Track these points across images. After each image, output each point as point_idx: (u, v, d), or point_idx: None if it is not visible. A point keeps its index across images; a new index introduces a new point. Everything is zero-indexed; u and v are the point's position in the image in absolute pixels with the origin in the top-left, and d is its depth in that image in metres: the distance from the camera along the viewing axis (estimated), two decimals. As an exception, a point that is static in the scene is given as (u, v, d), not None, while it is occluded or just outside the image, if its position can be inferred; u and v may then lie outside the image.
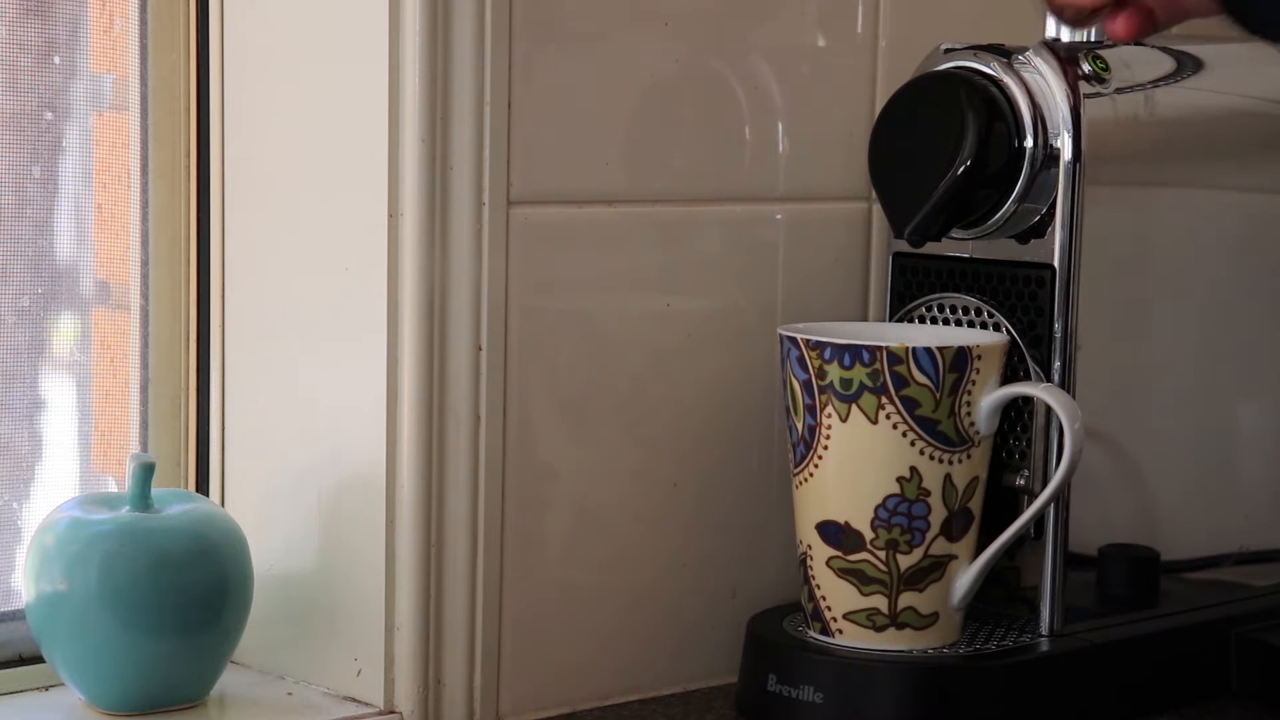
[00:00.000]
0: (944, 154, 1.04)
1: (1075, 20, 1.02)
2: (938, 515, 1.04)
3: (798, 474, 1.06)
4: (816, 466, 1.05)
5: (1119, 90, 1.08)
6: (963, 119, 1.04)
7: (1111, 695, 1.08)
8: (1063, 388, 1.06)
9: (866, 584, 1.04)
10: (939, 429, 1.03)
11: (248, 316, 1.10)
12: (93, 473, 1.13)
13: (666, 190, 1.10)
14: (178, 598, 0.99)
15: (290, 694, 1.06)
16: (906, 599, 1.04)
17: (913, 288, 1.13)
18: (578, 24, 1.06)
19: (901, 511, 1.03)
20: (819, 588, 1.06)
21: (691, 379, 1.12)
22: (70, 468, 1.13)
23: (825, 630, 1.06)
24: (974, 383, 1.03)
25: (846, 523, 1.04)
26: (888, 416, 1.02)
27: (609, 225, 1.08)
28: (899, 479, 1.03)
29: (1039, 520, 1.07)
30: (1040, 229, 1.07)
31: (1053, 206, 1.06)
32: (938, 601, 1.05)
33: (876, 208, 1.16)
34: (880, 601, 1.04)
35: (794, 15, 1.15)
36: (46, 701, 1.04)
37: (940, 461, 1.03)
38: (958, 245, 1.10)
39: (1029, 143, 1.06)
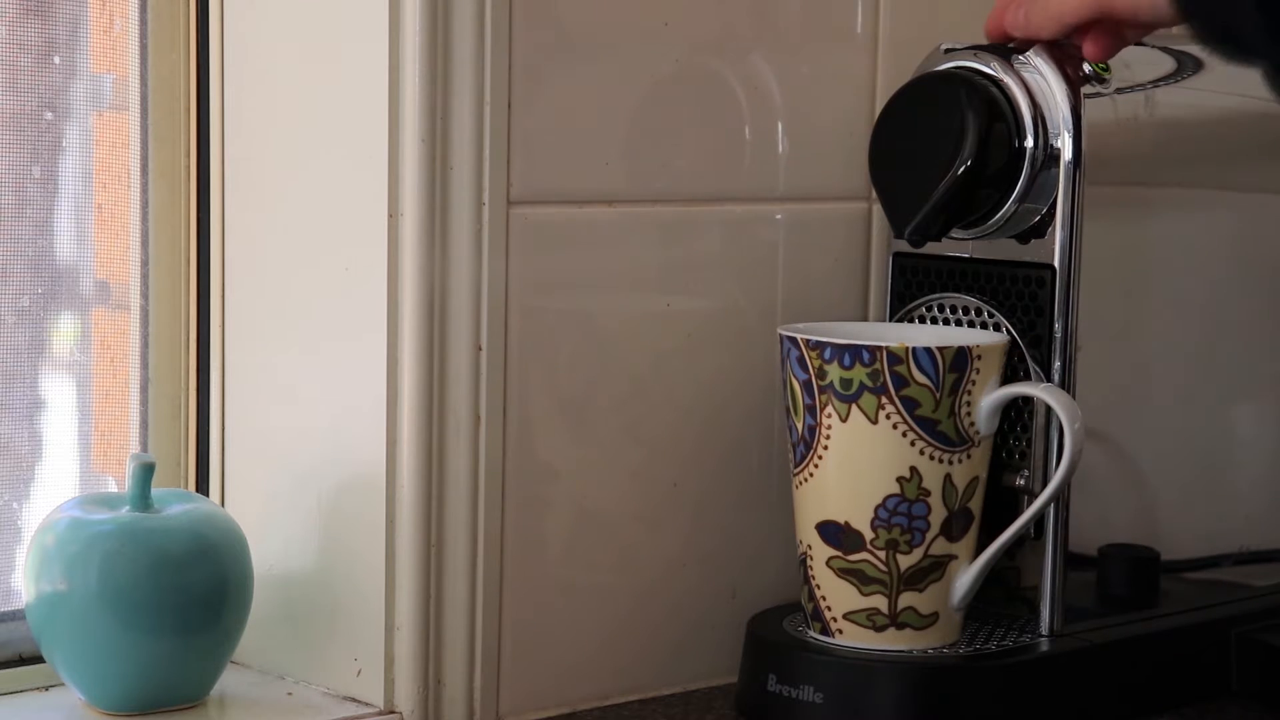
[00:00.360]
0: (944, 154, 1.04)
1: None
2: (938, 515, 1.04)
3: (798, 474, 1.06)
4: (816, 466, 1.05)
5: (1119, 90, 1.08)
6: (963, 119, 1.04)
7: (1111, 695, 1.08)
8: (1063, 388, 1.06)
9: (866, 584, 1.04)
10: (939, 429, 1.03)
11: (248, 316, 1.10)
12: (93, 473, 1.13)
13: (666, 190, 1.10)
14: (178, 598, 0.99)
15: (290, 694, 1.06)
16: (906, 599, 1.04)
17: (913, 288, 1.13)
18: (578, 24, 1.06)
19: (901, 511, 1.03)
20: (819, 588, 1.06)
21: (691, 379, 1.12)
22: (70, 468, 1.13)
23: (825, 630, 1.06)
24: (974, 383, 1.03)
25: (846, 523, 1.04)
26: (888, 416, 1.02)
27: (609, 225, 1.08)
28: (899, 479, 1.03)
29: (1039, 520, 1.07)
30: (1040, 229, 1.07)
31: (1053, 206, 1.06)
32: (938, 601, 1.05)
33: (876, 208, 1.16)
34: (880, 601, 1.04)
35: (794, 15, 1.15)
36: (46, 701, 1.04)
37: (940, 461, 1.03)
38: (958, 245, 1.10)
39: (1029, 143, 1.06)
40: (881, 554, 1.04)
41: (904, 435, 1.03)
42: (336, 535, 1.06)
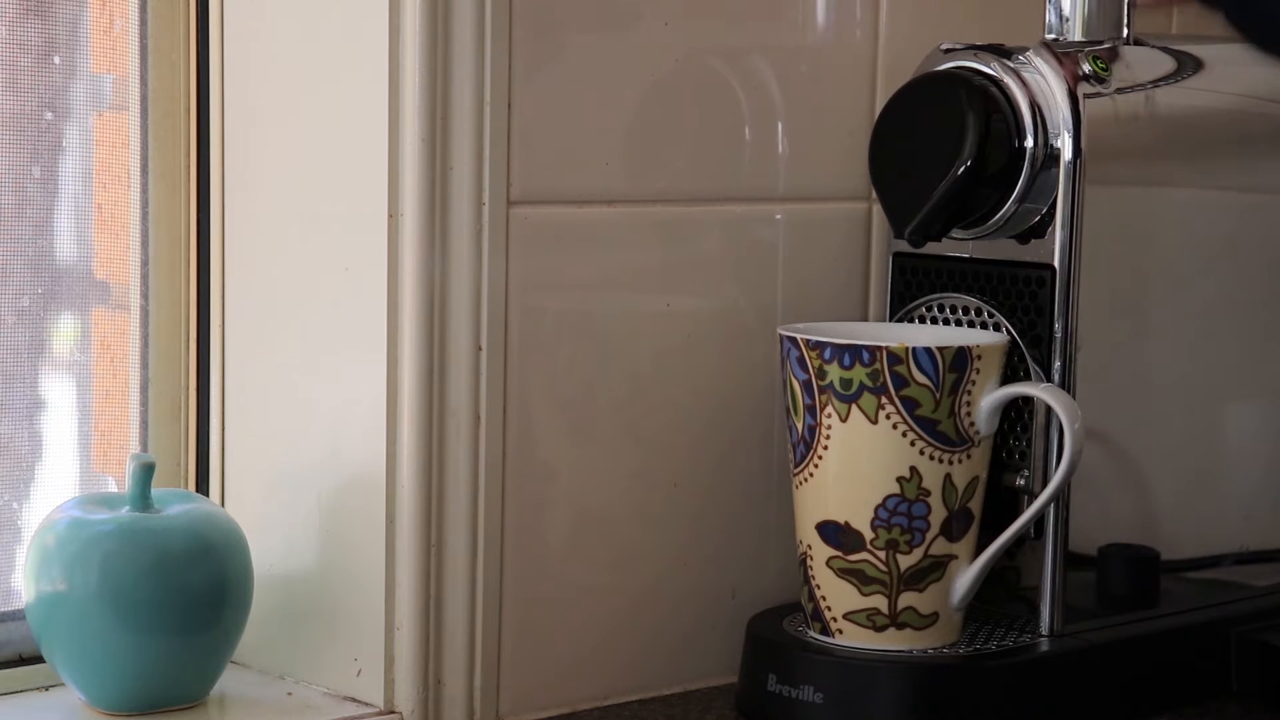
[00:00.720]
0: (944, 154, 1.04)
1: None
2: (938, 515, 1.04)
3: (798, 474, 1.06)
4: (816, 466, 1.05)
5: (1119, 90, 1.08)
6: (963, 119, 1.04)
7: (1111, 695, 1.08)
8: (1063, 388, 1.06)
9: (866, 584, 1.04)
10: (939, 429, 1.03)
11: (248, 316, 1.10)
12: (93, 473, 1.13)
13: (666, 190, 1.10)
14: (178, 597, 0.99)
15: (290, 694, 1.06)
16: (906, 599, 1.04)
17: (913, 288, 1.13)
18: (578, 24, 1.06)
19: (901, 511, 1.03)
20: (819, 588, 1.06)
21: (691, 379, 1.12)
22: (70, 468, 1.13)
23: (825, 630, 1.06)
24: (974, 383, 1.03)
25: (846, 523, 1.04)
26: (888, 416, 1.02)
27: (609, 225, 1.08)
28: (899, 479, 1.03)
29: (1039, 520, 1.07)
30: (1040, 229, 1.07)
31: (1053, 206, 1.06)
32: (938, 601, 1.05)
33: (876, 208, 1.16)
34: (880, 601, 1.04)
35: (794, 15, 1.15)
36: (46, 701, 1.04)
37: (940, 461, 1.03)
38: (958, 245, 1.10)
39: (1029, 143, 1.06)
40: (881, 554, 1.04)
41: (904, 435, 1.03)
42: (336, 535, 1.06)
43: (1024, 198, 1.06)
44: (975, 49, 1.08)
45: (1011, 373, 1.07)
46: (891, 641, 1.05)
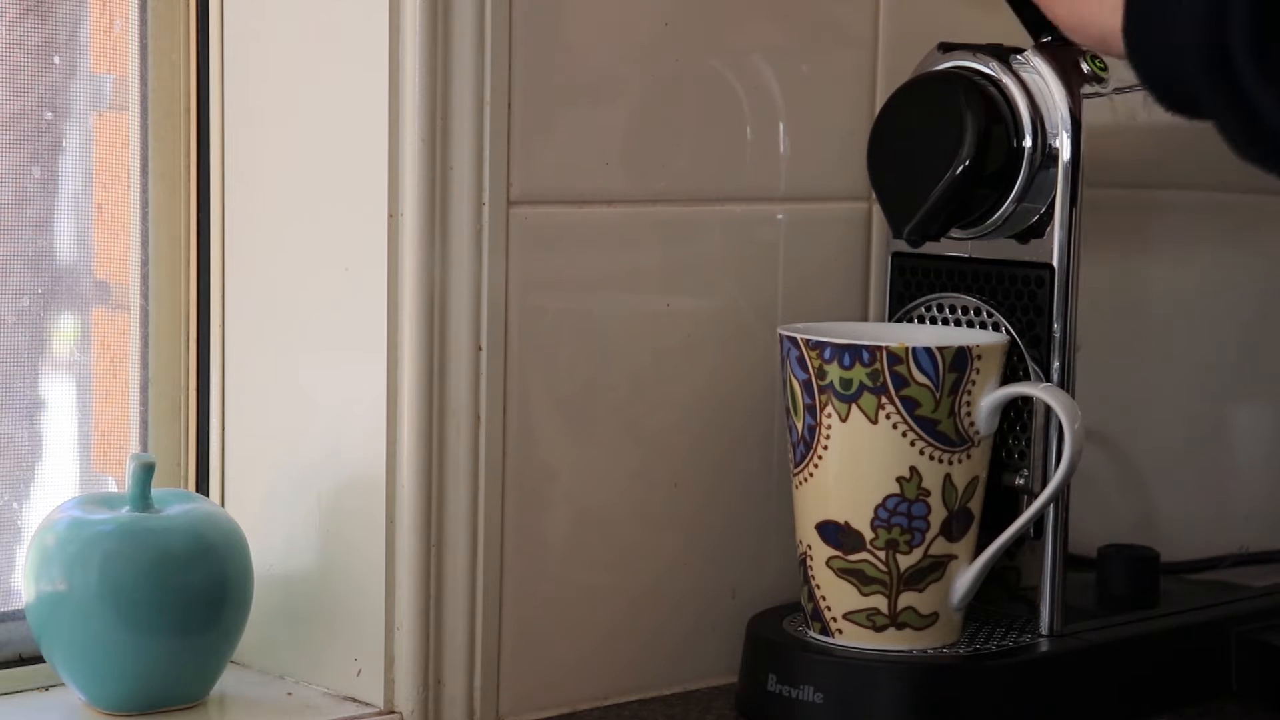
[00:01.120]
0: (943, 154, 1.04)
1: None
2: (937, 515, 1.04)
3: (798, 474, 1.06)
4: (816, 466, 1.05)
5: (1117, 90, 1.08)
6: (962, 119, 1.04)
7: (1111, 695, 1.08)
8: (1062, 388, 1.06)
9: (866, 584, 1.04)
10: (939, 429, 1.03)
11: (248, 316, 1.10)
12: (93, 473, 1.13)
13: (666, 190, 1.10)
14: (178, 598, 0.99)
15: (290, 694, 1.06)
16: (906, 599, 1.04)
17: (912, 288, 1.13)
18: (577, 24, 1.06)
19: (901, 511, 1.03)
20: (819, 588, 1.06)
21: (691, 379, 1.12)
22: (70, 468, 1.13)
23: (825, 630, 1.06)
24: (974, 383, 1.03)
25: (846, 523, 1.04)
26: (887, 416, 1.02)
27: (609, 225, 1.08)
28: (899, 479, 1.03)
29: (1039, 520, 1.07)
30: (1039, 229, 1.07)
31: (1051, 206, 1.06)
32: (937, 601, 1.05)
33: (876, 208, 1.16)
34: (880, 601, 1.04)
35: (794, 15, 1.15)
36: (46, 701, 1.04)
37: (940, 461, 1.03)
38: (957, 245, 1.10)
39: (1028, 143, 1.06)
40: (881, 554, 1.04)
41: (904, 435, 1.03)
42: (336, 535, 1.06)
43: (1023, 197, 1.06)
44: (974, 49, 1.08)
45: (1011, 373, 1.07)
46: (891, 641, 1.05)
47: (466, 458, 1.03)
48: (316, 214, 1.05)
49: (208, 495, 1.11)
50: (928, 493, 1.03)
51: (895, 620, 1.05)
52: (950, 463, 1.03)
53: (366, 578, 1.04)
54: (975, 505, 1.05)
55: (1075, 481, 1.06)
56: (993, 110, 1.05)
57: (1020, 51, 1.07)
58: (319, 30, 1.05)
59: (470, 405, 1.03)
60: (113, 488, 1.13)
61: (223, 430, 1.11)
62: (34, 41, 1.08)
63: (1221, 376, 1.17)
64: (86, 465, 1.13)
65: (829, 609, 1.06)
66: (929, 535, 1.04)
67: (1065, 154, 1.05)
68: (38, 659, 1.04)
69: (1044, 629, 1.08)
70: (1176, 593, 1.16)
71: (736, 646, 1.10)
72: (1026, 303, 1.07)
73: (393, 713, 1.04)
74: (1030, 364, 1.07)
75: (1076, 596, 1.09)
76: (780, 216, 1.15)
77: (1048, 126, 1.06)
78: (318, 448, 1.06)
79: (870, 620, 1.05)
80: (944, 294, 1.11)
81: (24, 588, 1.01)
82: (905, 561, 1.04)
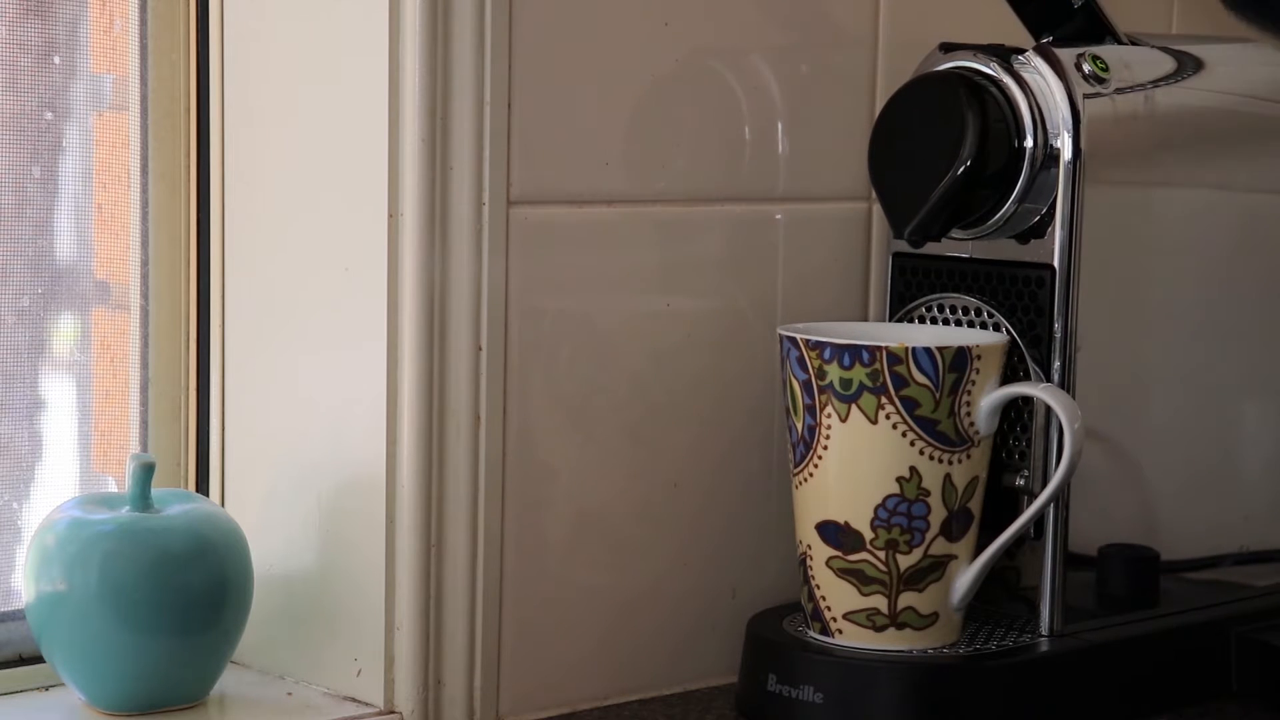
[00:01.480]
0: (944, 154, 1.04)
1: None
2: (937, 515, 1.04)
3: (798, 474, 1.06)
4: (816, 466, 1.05)
5: (1119, 90, 1.08)
6: (962, 119, 1.04)
7: (1111, 695, 1.08)
8: (1063, 388, 1.06)
9: (866, 584, 1.04)
10: (939, 429, 1.03)
11: (248, 316, 1.10)
12: (93, 473, 1.13)
13: (666, 190, 1.10)
14: (178, 598, 0.99)
15: (290, 694, 1.06)
16: (906, 599, 1.04)
17: (913, 288, 1.13)
18: (577, 24, 1.06)
19: (901, 511, 1.03)
20: (819, 588, 1.06)
21: (691, 379, 1.12)
22: (70, 468, 1.13)
23: (825, 630, 1.06)
24: (974, 383, 1.03)
25: (846, 523, 1.04)
26: (887, 416, 1.02)
27: (609, 225, 1.08)
28: (899, 479, 1.03)
29: (1039, 520, 1.07)
30: (1040, 229, 1.07)
31: (1052, 206, 1.06)
32: (937, 601, 1.05)
33: (876, 208, 1.16)
34: (880, 601, 1.05)
35: (794, 15, 1.15)
36: (46, 701, 1.04)
37: (940, 461, 1.03)
38: (958, 245, 1.10)
39: (1029, 143, 1.06)
40: (881, 554, 1.04)
41: (904, 435, 1.03)
42: (336, 535, 1.06)
43: (1023, 198, 1.06)
44: (975, 49, 1.08)
45: (1011, 373, 1.07)
46: (891, 641, 1.05)
47: (466, 458, 1.03)
48: (316, 214, 1.05)
49: (208, 495, 1.11)
50: (928, 493, 1.03)
51: (895, 620, 1.05)
52: (950, 463, 1.03)
53: (366, 578, 1.04)
54: (975, 505, 1.05)
55: (1075, 481, 1.06)
56: (994, 110, 1.05)
57: (1021, 52, 1.07)
58: (319, 30, 1.05)
59: (470, 405, 1.03)
60: (113, 488, 1.13)
61: (223, 430, 1.11)
62: (34, 41, 1.08)
63: (1221, 377, 1.17)
64: (86, 465, 1.13)
65: (829, 609, 1.06)
66: (929, 535, 1.04)
67: (1066, 154, 1.06)
68: (38, 659, 1.04)
69: (1044, 629, 1.08)
70: (1176, 592, 1.16)
71: (736, 646, 1.10)
72: (1027, 303, 1.07)
73: (393, 713, 1.04)
74: (1030, 364, 1.07)
75: (1076, 596, 1.09)
76: (780, 216, 1.15)
77: (1049, 127, 1.06)
78: (318, 448, 1.06)
79: (870, 620, 1.05)
80: (944, 294, 1.11)
81: (24, 588, 1.01)
82: (905, 561, 1.04)
